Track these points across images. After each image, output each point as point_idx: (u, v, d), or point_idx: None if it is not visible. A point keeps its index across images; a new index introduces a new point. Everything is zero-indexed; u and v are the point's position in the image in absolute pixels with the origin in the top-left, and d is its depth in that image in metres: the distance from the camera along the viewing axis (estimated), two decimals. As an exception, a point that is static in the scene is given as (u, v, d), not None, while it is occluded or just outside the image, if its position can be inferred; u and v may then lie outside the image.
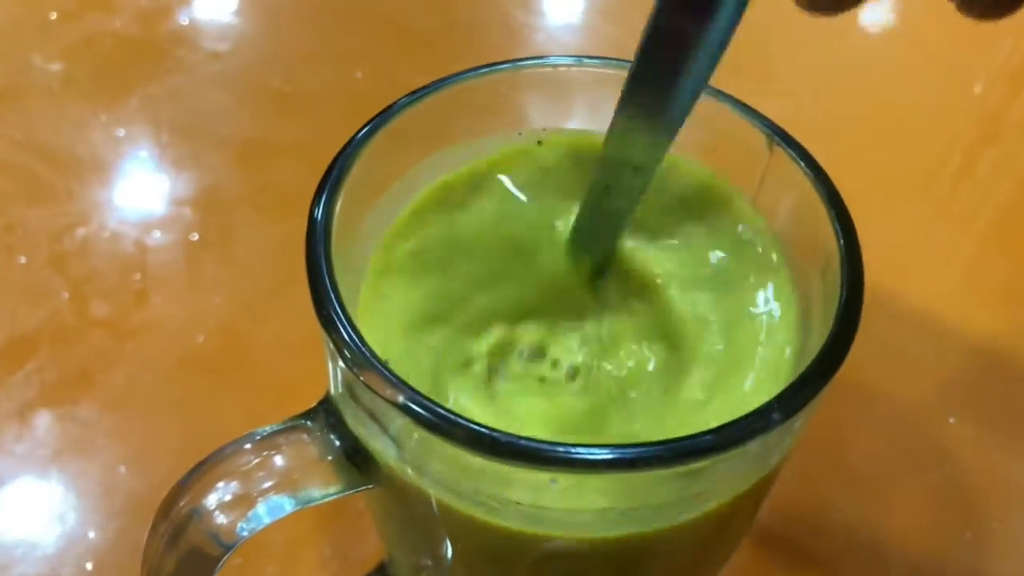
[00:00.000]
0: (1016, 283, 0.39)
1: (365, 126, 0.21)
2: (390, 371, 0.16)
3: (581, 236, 0.22)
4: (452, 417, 0.16)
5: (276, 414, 0.20)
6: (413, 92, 0.21)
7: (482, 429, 0.15)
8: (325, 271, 0.18)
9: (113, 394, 0.34)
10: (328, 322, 0.17)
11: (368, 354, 0.17)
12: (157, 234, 0.39)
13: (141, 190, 0.41)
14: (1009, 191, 0.43)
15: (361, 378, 0.16)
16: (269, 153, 0.42)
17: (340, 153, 0.20)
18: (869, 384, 0.34)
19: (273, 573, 0.30)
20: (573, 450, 0.15)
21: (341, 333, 0.17)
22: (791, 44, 0.48)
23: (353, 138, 0.21)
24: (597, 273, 0.22)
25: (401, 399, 0.16)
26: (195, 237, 0.39)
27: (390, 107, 0.21)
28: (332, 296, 0.18)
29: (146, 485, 0.32)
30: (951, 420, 0.34)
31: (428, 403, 0.16)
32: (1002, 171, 0.44)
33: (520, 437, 0.15)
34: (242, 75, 0.46)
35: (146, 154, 0.42)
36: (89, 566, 0.30)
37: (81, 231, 0.39)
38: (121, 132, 0.43)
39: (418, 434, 0.16)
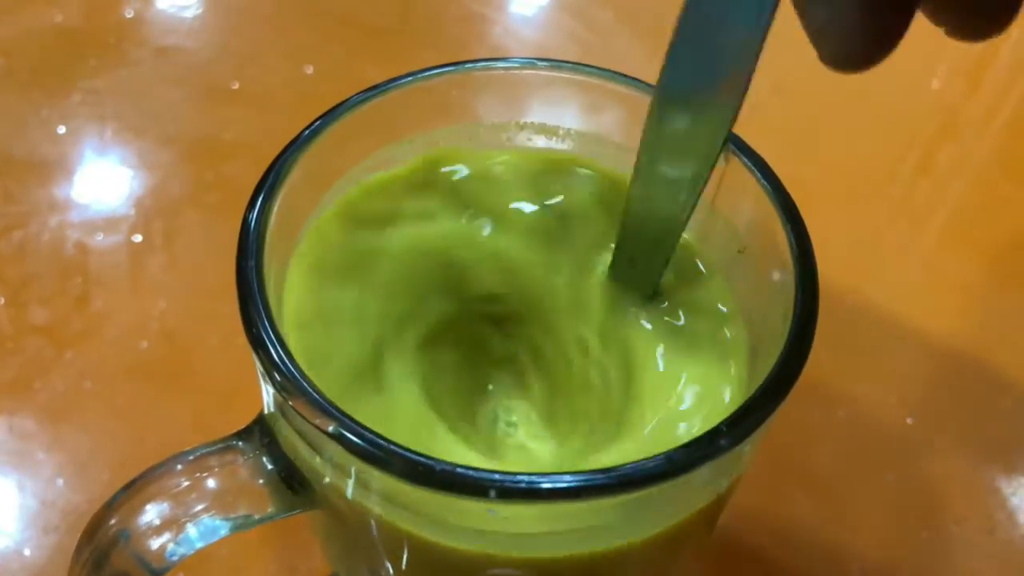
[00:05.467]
0: (974, 281, 0.39)
1: (306, 129, 0.20)
2: (322, 397, 0.16)
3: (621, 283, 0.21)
4: (387, 446, 0.15)
5: (223, 423, 0.19)
6: (360, 93, 0.21)
7: (418, 458, 0.15)
8: (255, 285, 0.17)
9: (52, 403, 0.33)
10: (257, 341, 0.16)
11: (299, 378, 0.16)
12: (99, 236, 0.37)
13: (82, 190, 0.39)
14: (967, 188, 0.43)
15: (291, 403, 0.16)
16: (216, 151, 0.41)
17: (278, 158, 0.19)
18: (826, 384, 0.34)
19: (218, 589, 0.29)
20: (513, 479, 0.14)
21: (271, 353, 0.16)
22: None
23: (294, 141, 0.20)
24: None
25: (332, 428, 0.15)
26: (138, 239, 0.37)
27: (333, 109, 0.20)
28: (262, 312, 0.17)
29: (86, 499, 0.30)
30: (909, 420, 0.33)
31: (362, 431, 0.15)
32: (960, 168, 0.44)
33: (457, 466, 0.14)
34: (189, 70, 0.44)
35: (88, 152, 0.40)
36: (25, 585, 0.29)
37: (18, 233, 0.37)
38: (62, 129, 0.41)
39: (353, 464, 0.16)
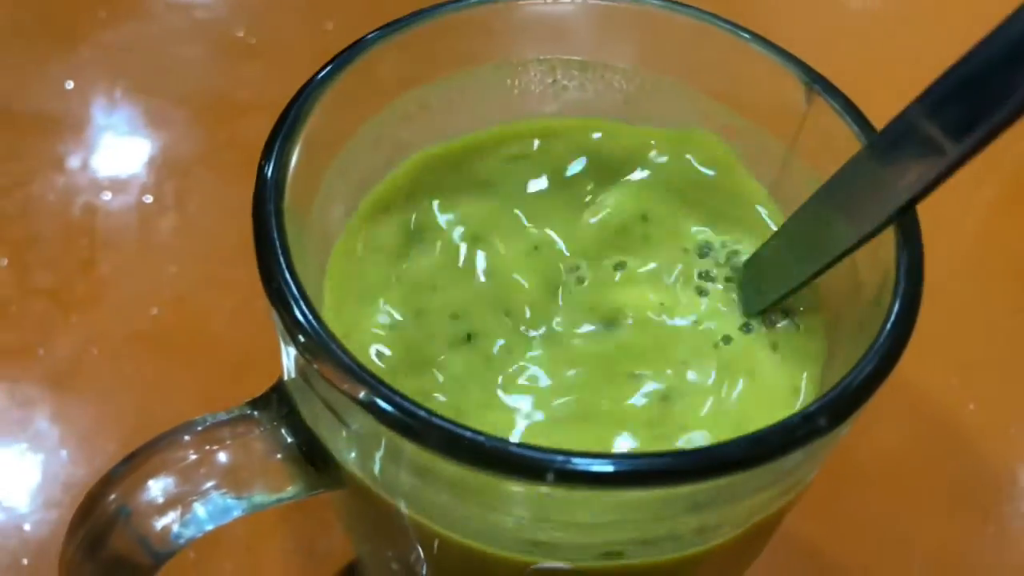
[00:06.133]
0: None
1: (327, 65, 0.18)
2: (352, 359, 0.13)
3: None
4: (426, 416, 0.13)
5: (236, 394, 0.18)
6: (385, 26, 0.18)
7: (464, 432, 0.12)
8: (276, 236, 0.15)
9: (56, 371, 0.31)
10: (278, 296, 0.14)
11: (326, 337, 0.14)
12: (107, 196, 0.35)
13: (90, 147, 0.37)
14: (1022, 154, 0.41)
15: (315, 366, 0.13)
16: (231, 109, 0.39)
17: (296, 98, 0.17)
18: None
19: (231, 570, 0.27)
20: (573, 460, 0.12)
21: (293, 310, 0.14)
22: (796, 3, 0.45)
23: (312, 79, 0.18)
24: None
25: (363, 394, 0.13)
26: (149, 200, 0.35)
27: (358, 43, 0.18)
28: (283, 265, 0.15)
29: (90, 472, 0.29)
30: (971, 407, 0.31)
31: (397, 399, 0.13)
32: (1017, 135, 0.41)
33: (509, 442, 0.12)
34: (204, 25, 0.42)
35: (97, 109, 0.39)
36: (25, 561, 0.27)
37: (22, 192, 0.35)
38: (70, 84, 0.39)
39: (385, 437, 0.14)
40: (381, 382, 0.13)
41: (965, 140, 0.14)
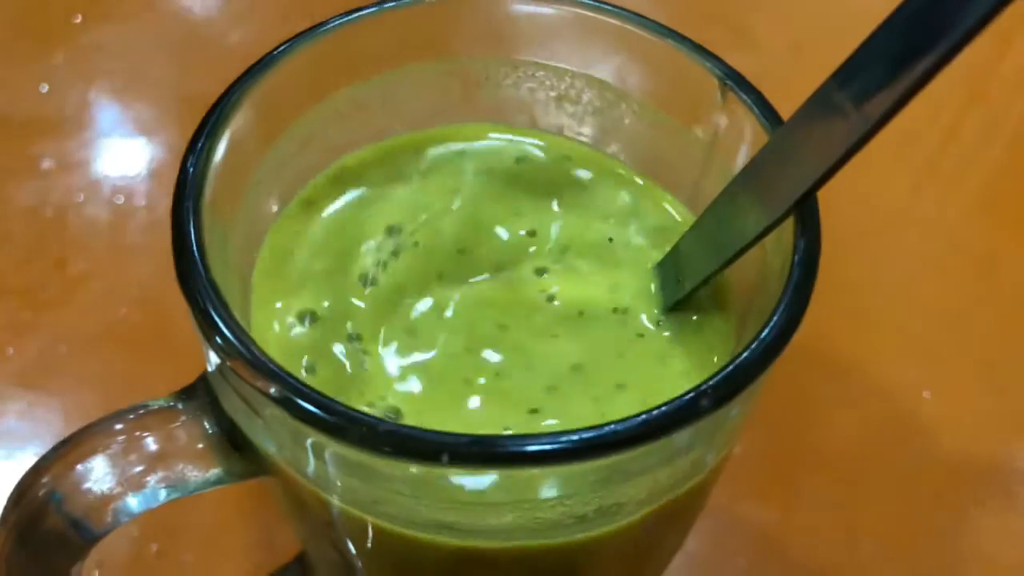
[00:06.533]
0: (999, 250, 0.36)
1: (255, 64, 0.18)
2: (266, 358, 0.14)
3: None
4: (334, 406, 0.13)
5: None
6: (316, 25, 0.19)
7: (363, 418, 0.13)
8: (193, 235, 0.16)
9: (25, 370, 0.31)
10: (193, 297, 0.15)
11: (238, 337, 0.14)
12: (80, 197, 0.36)
13: (64, 150, 0.38)
14: (996, 154, 0.41)
15: (229, 364, 0.14)
16: (203, 110, 0.39)
17: (223, 95, 0.18)
18: (839, 356, 0.32)
19: (192, 561, 0.28)
20: (477, 443, 0.13)
21: (209, 311, 0.15)
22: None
23: (240, 77, 0.18)
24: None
25: (274, 390, 0.13)
26: (120, 200, 0.36)
27: (289, 41, 0.19)
28: (200, 264, 0.15)
29: (55, 468, 0.29)
30: (926, 394, 0.31)
31: (308, 392, 0.13)
32: (989, 133, 0.41)
33: (402, 426, 0.13)
34: (178, 27, 0.43)
35: (71, 112, 0.39)
36: (-10, 558, 0.27)
37: (-4, 193, 0.36)
38: (45, 87, 0.40)
39: (297, 429, 0.14)
40: (292, 378, 0.14)
41: (868, 109, 0.14)
